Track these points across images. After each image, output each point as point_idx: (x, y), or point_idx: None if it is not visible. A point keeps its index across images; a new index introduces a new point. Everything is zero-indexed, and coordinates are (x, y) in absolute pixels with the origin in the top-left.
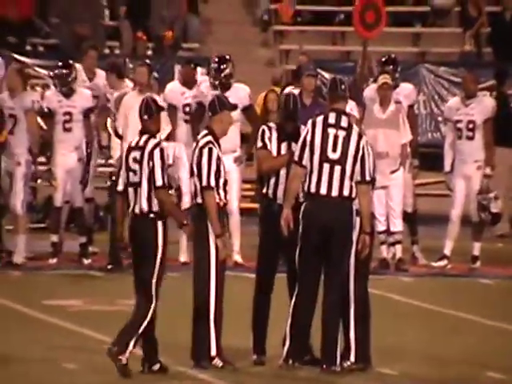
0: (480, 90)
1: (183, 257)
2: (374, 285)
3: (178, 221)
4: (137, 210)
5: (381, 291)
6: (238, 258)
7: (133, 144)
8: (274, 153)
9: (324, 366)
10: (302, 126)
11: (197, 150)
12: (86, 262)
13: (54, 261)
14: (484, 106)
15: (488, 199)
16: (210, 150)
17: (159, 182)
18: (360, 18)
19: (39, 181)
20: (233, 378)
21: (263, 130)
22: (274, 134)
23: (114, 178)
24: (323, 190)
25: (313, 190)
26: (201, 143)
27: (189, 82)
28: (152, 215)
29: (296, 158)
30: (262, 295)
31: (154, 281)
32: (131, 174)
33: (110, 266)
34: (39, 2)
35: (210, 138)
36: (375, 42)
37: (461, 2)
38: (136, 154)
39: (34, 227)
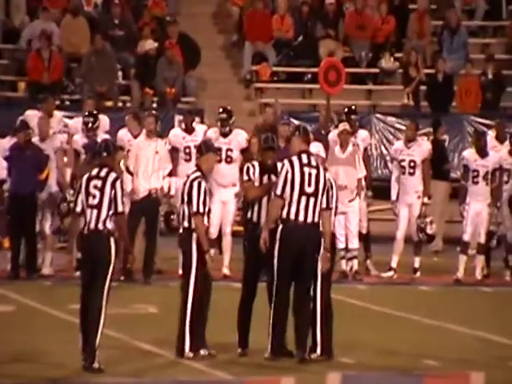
0: (419, 136)
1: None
2: (335, 292)
3: (125, 240)
4: (92, 228)
5: (341, 297)
6: (226, 271)
7: (93, 174)
8: (257, 184)
9: (297, 356)
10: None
11: (188, 182)
12: None
13: (78, 273)
14: (422, 148)
15: (425, 223)
16: (200, 183)
17: (120, 209)
18: (324, 77)
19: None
20: (222, 366)
21: (248, 167)
22: (257, 170)
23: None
24: (301, 218)
25: (292, 217)
26: (191, 177)
27: (188, 129)
28: (106, 232)
29: (278, 192)
30: (246, 301)
31: (105, 289)
32: (90, 197)
33: (122, 278)
34: (66, 67)
35: (199, 173)
36: (336, 97)
37: (403, 66)
38: (97, 182)
39: (61, 246)
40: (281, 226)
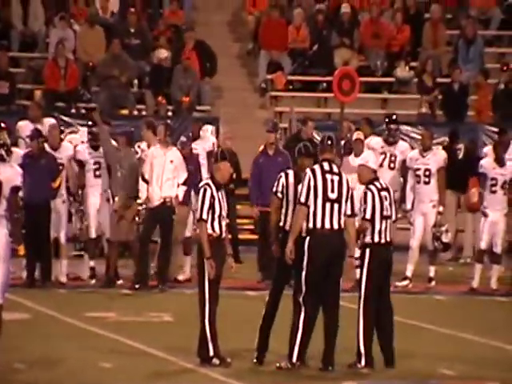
0: (434, 145)
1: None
2: (351, 301)
3: None
4: None
5: (356, 306)
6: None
7: None
8: (291, 195)
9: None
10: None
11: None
12: (119, 282)
13: (92, 281)
14: (438, 157)
15: (441, 231)
16: (205, 190)
17: None
18: (338, 86)
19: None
20: (237, 375)
21: (280, 176)
22: (291, 180)
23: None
24: (327, 225)
25: (318, 225)
26: (200, 185)
27: (195, 136)
28: None
29: (302, 200)
30: (272, 308)
31: None
32: None
33: (137, 286)
34: (82, 75)
35: (208, 181)
36: (351, 106)
37: (418, 75)
38: None
39: (75, 254)
40: (308, 238)
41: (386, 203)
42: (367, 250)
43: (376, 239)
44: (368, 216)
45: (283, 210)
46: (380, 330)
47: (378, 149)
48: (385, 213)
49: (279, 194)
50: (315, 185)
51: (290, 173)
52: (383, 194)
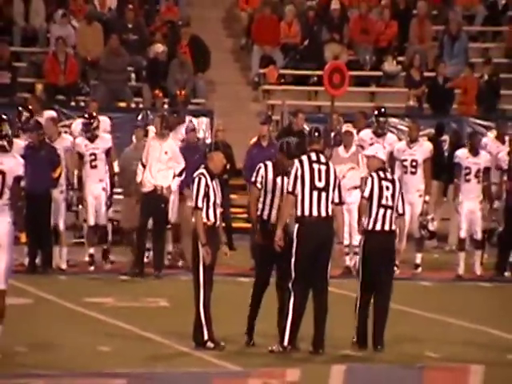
0: (420, 137)
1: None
2: (340, 287)
3: None
4: None
5: (345, 291)
6: None
7: None
8: (270, 186)
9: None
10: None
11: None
12: (107, 266)
13: (92, 268)
14: (424, 148)
15: (427, 220)
16: (200, 179)
17: None
18: (329, 79)
19: (80, 206)
20: (230, 358)
21: (260, 167)
22: (270, 171)
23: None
24: (315, 213)
25: (306, 213)
26: (195, 174)
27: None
28: None
29: (290, 189)
30: (258, 294)
31: None
32: None
33: (137, 270)
34: (81, 69)
35: (202, 170)
36: (340, 99)
37: (405, 69)
38: None
39: (75, 242)
40: (297, 226)
41: (387, 193)
42: (363, 236)
43: (370, 226)
44: (366, 195)
45: (261, 200)
46: (374, 314)
47: (367, 140)
48: (383, 201)
49: (258, 185)
50: (302, 174)
51: (269, 164)
52: (385, 183)
